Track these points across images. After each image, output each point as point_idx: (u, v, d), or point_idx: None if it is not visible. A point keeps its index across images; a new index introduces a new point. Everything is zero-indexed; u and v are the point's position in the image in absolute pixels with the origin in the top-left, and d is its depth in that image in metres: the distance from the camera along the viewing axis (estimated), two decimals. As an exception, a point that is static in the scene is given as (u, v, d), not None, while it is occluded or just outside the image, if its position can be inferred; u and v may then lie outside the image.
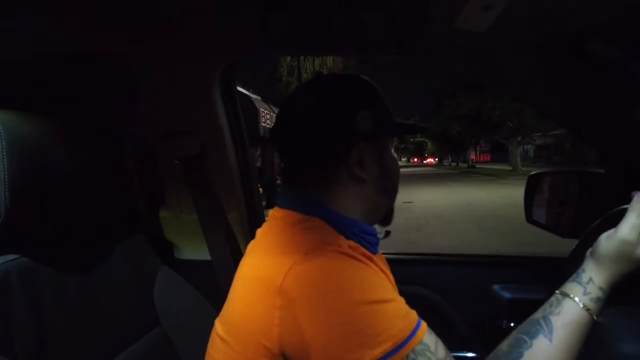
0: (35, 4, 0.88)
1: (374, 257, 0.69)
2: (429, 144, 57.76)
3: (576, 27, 0.85)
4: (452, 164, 58.16)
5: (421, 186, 18.36)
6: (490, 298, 1.31)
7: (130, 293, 1.03)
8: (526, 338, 0.62)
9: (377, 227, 0.82)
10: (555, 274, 0.81)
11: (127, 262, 1.05)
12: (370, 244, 0.75)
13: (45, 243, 0.86)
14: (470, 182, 21.71)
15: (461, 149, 45.36)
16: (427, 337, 0.59)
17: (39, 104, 0.89)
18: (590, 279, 0.64)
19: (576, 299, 0.63)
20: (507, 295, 1.29)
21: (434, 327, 0.64)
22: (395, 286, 0.86)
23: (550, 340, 0.61)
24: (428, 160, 75.56)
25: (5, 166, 0.74)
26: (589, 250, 0.67)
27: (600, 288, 0.64)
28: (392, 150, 0.83)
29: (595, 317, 0.63)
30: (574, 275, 0.66)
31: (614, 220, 0.67)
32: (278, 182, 11.25)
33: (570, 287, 0.65)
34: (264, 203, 1.63)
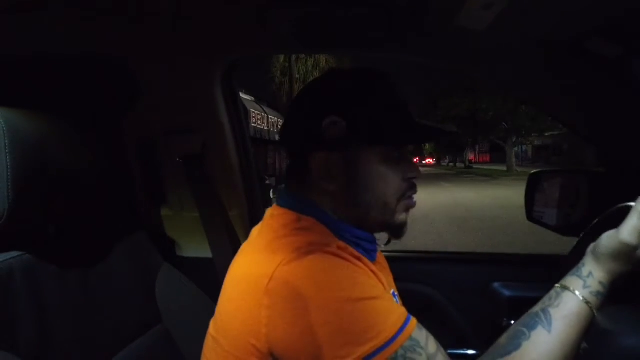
0: (36, 3, 0.88)
1: (364, 258, 0.67)
2: (427, 144, 57.86)
3: (577, 27, 0.86)
4: (450, 164, 58.35)
5: (414, 186, 18.32)
6: (490, 296, 1.31)
7: (132, 290, 1.03)
8: (525, 330, 0.62)
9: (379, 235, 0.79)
10: (555, 271, 0.81)
11: (129, 260, 1.05)
12: (365, 250, 0.73)
13: (48, 240, 0.86)
14: (464, 182, 21.78)
15: (458, 150, 45.53)
16: (416, 333, 0.59)
17: (41, 102, 0.89)
18: (590, 273, 0.64)
19: (576, 292, 0.63)
20: (507, 293, 1.30)
21: (434, 324, 0.65)
22: (393, 284, 0.86)
23: (549, 332, 0.60)
24: (427, 160, 75.37)
25: (8, 163, 0.74)
26: (590, 246, 0.67)
27: (600, 283, 0.63)
28: (384, 162, 0.71)
29: (595, 311, 0.62)
30: (574, 270, 0.66)
31: (614, 218, 0.67)
32: (267, 182, 11.24)
33: (570, 280, 0.65)
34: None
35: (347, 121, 0.69)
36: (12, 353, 0.71)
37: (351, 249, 0.67)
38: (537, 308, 0.65)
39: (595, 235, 0.69)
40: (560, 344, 0.60)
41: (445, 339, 0.63)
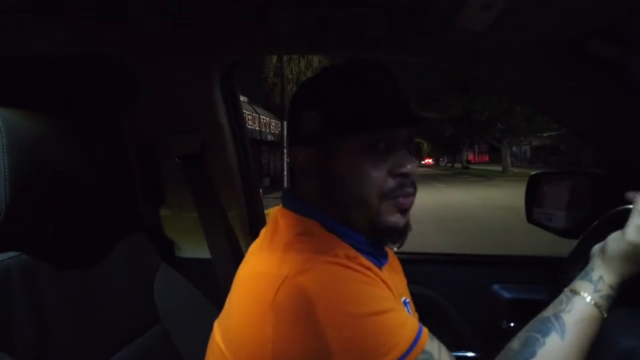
0: (36, 3, 0.87)
1: (374, 267, 0.66)
2: (425, 145, 58.05)
3: (577, 28, 0.86)
4: (448, 164, 58.48)
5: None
6: (490, 298, 1.31)
7: (130, 290, 1.03)
8: (538, 336, 0.60)
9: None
10: (554, 273, 0.81)
11: (127, 260, 1.04)
12: (368, 254, 0.69)
13: (45, 240, 0.86)
14: (458, 183, 21.89)
15: (456, 150, 45.70)
16: (429, 345, 0.58)
17: (41, 102, 0.89)
18: (601, 277, 0.63)
19: (587, 296, 0.62)
20: (506, 295, 1.30)
21: (434, 326, 0.64)
22: (406, 290, 0.84)
23: (563, 338, 0.59)
24: (426, 161, 75.21)
25: (6, 163, 0.73)
26: (597, 248, 0.66)
27: (611, 286, 0.62)
28: (363, 155, 0.66)
29: (605, 315, 0.62)
30: (583, 274, 0.65)
31: (614, 220, 0.67)
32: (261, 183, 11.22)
33: (581, 284, 0.64)
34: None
35: (322, 114, 0.68)
36: (9, 354, 0.70)
37: (361, 258, 0.65)
38: (548, 313, 0.63)
39: (595, 237, 0.69)
40: (574, 350, 0.59)
41: (445, 341, 0.62)
